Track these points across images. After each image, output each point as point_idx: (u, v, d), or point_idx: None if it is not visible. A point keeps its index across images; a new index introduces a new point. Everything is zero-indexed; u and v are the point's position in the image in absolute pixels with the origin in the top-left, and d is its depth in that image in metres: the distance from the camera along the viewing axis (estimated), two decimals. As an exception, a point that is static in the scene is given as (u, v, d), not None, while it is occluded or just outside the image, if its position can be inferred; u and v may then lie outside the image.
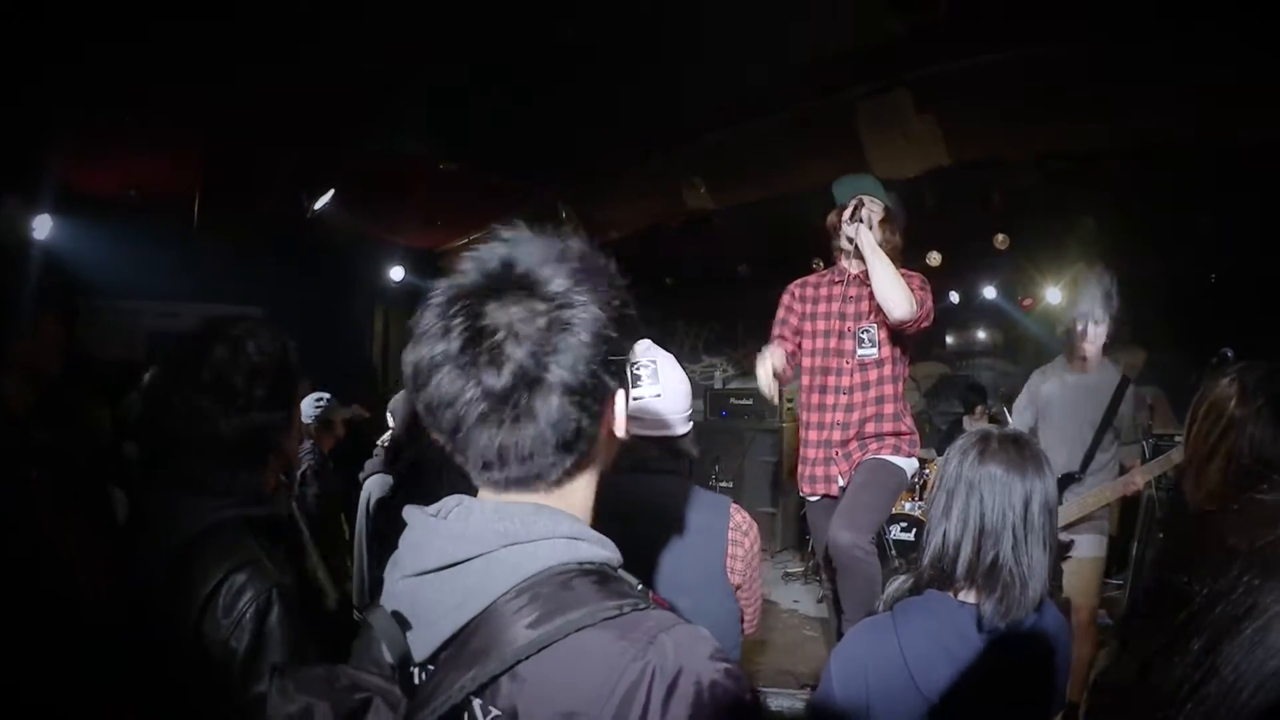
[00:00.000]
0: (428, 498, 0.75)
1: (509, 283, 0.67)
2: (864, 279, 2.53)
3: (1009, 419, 4.13)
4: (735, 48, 3.54)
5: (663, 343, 1.58)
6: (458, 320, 0.66)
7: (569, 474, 0.71)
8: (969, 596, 1.27)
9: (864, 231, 2.46)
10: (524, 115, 4.13)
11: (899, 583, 1.38)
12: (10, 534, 1.54)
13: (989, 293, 6.64)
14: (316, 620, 1.21)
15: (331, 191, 5.04)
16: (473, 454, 0.68)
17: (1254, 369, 1.16)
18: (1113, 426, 3.08)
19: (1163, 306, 5.63)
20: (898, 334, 2.53)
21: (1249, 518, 0.97)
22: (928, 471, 5.02)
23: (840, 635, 2.33)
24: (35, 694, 1.26)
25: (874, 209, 2.57)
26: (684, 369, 1.61)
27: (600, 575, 0.68)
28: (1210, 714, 0.58)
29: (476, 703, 0.63)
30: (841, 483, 2.57)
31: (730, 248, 6.51)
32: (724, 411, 7.00)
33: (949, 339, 7.37)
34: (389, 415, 3.32)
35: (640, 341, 1.62)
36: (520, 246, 0.69)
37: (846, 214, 2.55)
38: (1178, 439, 4.21)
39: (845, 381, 2.58)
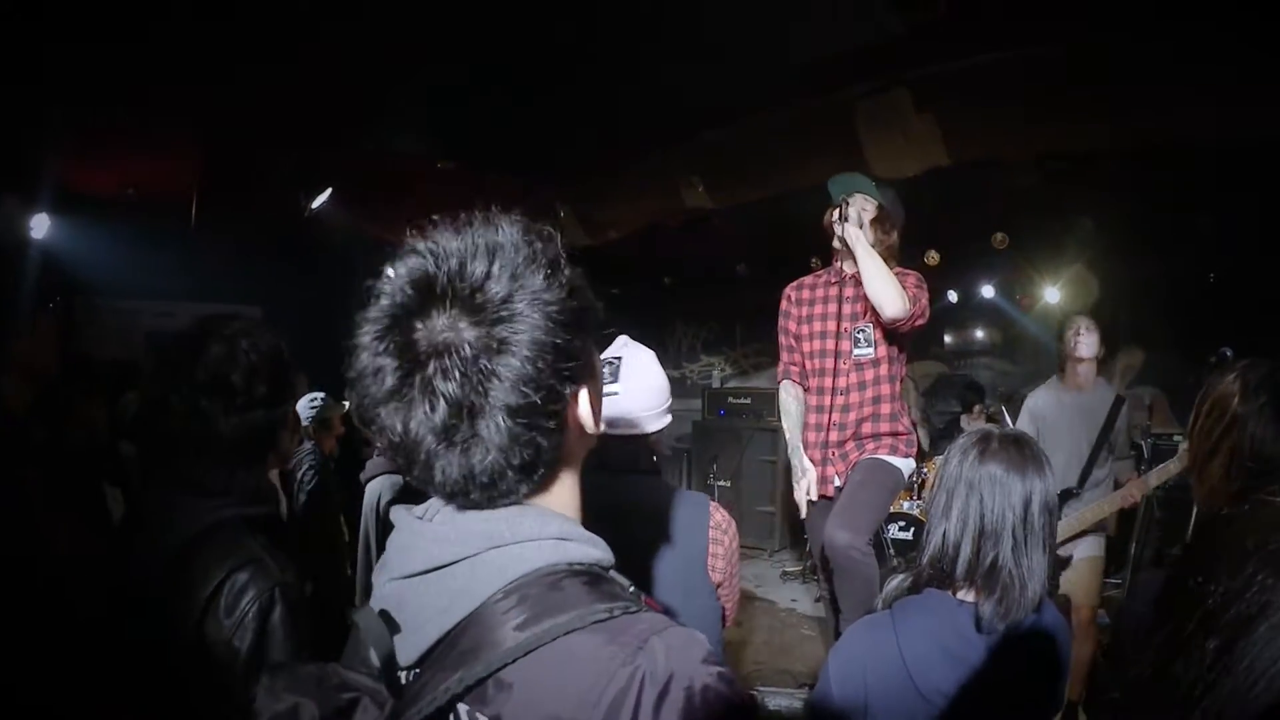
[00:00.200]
0: None
1: (436, 297, 0.63)
2: (860, 278, 2.53)
3: (1007, 419, 4.14)
4: (734, 47, 3.54)
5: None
6: (386, 359, 0.63)
7: (543, 482, 0.69)
8: (968, 595, 1.26)
9: (851, 230, 2.44)
10: (523, 115, 4.13)
11: (898, 581, 1.38)
12: (6, 532, 1.54)
13: (987, 292, 6.63)
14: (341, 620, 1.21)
15: (329, 191, 5.04)
16: (437, 484, 0.66)
17: (1257, 367, 1.16)
18: (1108, 443, 3.16)
19: (1162, 306, 5.62)
20: (893, 333, 2.53)
21: (1261, 519, 0.97)
22: (925, 470, 5.02)
23: (838, 634, 2.31)
24: (31, 693, 1.26)
25: (866, 207, 2.55)
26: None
27: (591, 576, 0.67)
28: (1222, 710, 0.58)
29: (463, 708, 0.62)
30: (838, 483, 2.56)
31: (729, 247, 6.51)
32: (722, 410, 6.98)
33: (947, 338, 7.36)
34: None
35: (619, 338, 1.61)
36: (449, 244, 0.64)
37: (835, 213, 2.55)
38: (1176, 438, 4.24)
39: (842, 382, 2.57)
